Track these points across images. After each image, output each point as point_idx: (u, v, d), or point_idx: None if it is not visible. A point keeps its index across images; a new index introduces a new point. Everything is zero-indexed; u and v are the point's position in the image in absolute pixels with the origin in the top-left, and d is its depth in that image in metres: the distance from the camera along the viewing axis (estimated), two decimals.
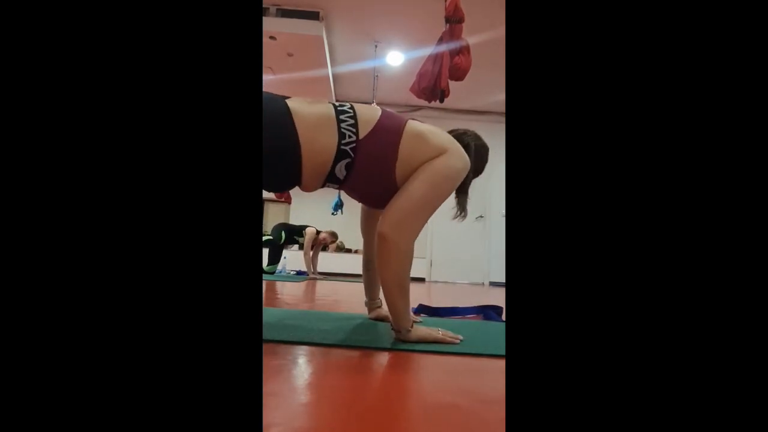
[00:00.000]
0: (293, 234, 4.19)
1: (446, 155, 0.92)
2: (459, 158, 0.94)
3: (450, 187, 0.94)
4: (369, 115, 0.92)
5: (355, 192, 0.98)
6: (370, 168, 0.90)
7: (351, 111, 0.91)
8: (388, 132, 0.91)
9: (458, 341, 0.93)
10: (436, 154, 0.92)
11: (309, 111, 0.88)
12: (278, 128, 0.84)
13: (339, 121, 0.88)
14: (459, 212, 1.10)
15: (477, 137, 1.13)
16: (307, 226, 4.12)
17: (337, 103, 0.93)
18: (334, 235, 4.25)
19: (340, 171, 0.90)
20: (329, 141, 0.87)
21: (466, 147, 1.05)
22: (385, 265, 0.88)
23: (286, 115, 0.85)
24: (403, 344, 0.88)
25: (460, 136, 1.09)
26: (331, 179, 0.92)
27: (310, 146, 0.86)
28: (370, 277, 1.31)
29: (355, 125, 0.89)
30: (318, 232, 4.09)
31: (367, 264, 1.30)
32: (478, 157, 1.11)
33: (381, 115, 0.93)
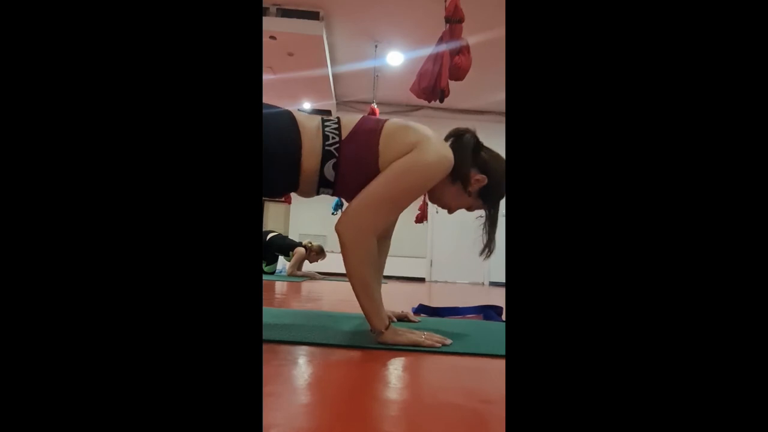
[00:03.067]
0: (282, 250, 4.04)
1: (414, 150, 0.91)
2: (430, 151, 0.91)
3: (416, 180, 0.91)
4: (351, 119, 0.97)
5: (348, 195, 0.99)
6: (355, 168, 0.93)
7: (335, 119, 0.97)
8: (366, 132, 0.94)
9: (440, 345, 0.87)
10: (407, 150, 0.91)
11: (308, 122, 0.94)
12: (287, 136, 0.90)
13: (324, 127, 0.94)
14: (485, 243, 1.06)
15: (497, 159, 1.04)
16: (298, 245, 3.97)
17: (325, 117, 0.98)
18: (321, 252, 4.08)
19: (329, 172, 0.93)
20: (317, 144, 0.92)
21: (460, 144, 1.01)
22: (343, 260, 0.88)
23: (292, 122, 0.91)
24: (403, 344, 0.87)
25: (458, 132, 1.04)
26: (323, 183, 0.95)
27: (306, 153, 0.91)
28: None
29: (338, 129, 0.94)
30: (307, 250, 3.93)
31: None
32: (496, 172, 1.02)
33: (360, 119, 0.98)
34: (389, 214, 0.91)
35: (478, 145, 1.03)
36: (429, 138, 0.93)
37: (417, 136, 0.93)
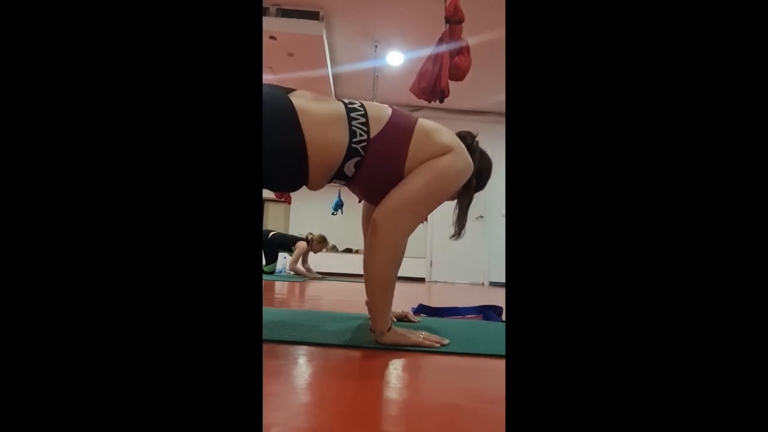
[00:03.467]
0: (283, 246, 4.06)
1: (450, 154, 0.92)
2: (462, 158, 0.94)
3: (449, 185, 0.92)
4: (380, 113, 0.91)
5: (361, 189, 0.97)
6: (381, 166, 0.89)
7: (362, 109, 0.90)
8: (399, 130, 0.90)
9: (439, 345, 0.88)
10: (441, 152, 0.91)
11: (315, 108, 0.85)
12: (281, 125, 0.81)
13: (350, 119, 0.87)
14: (456, 230, 1.09)
15: (484, 154, 1.12)
16: (299, 239, 4.00)
17: (346, 101, 0.91)
18: (323, 241, 4.11)
19: (349, 169, 0.89)
20: (340, 139, 0.85)
21: (469, 148, 1.04)
22: (371, 256, 0.85)
23: (290, 112, 0.82)
24: (403, 345, 0.87)
25: (463, 137, 1.08)
26: (339, 176, 0.91)
27: (316, 143, 0.83)
28: None
29: (366, 123, 0.88)
30: (308, 242, 3.98)
31: None
32: (484, 169, 1.10)
33: (392, 114, 0.92)
34: (423, 216, 0.91)
35: (472, 135, 1.10)
36: (458, 144, 0.95)
37: (448, 139, 0.94)
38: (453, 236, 1.10)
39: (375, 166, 0.89)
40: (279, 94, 0.85)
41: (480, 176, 1.08)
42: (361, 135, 0.86)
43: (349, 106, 0.89)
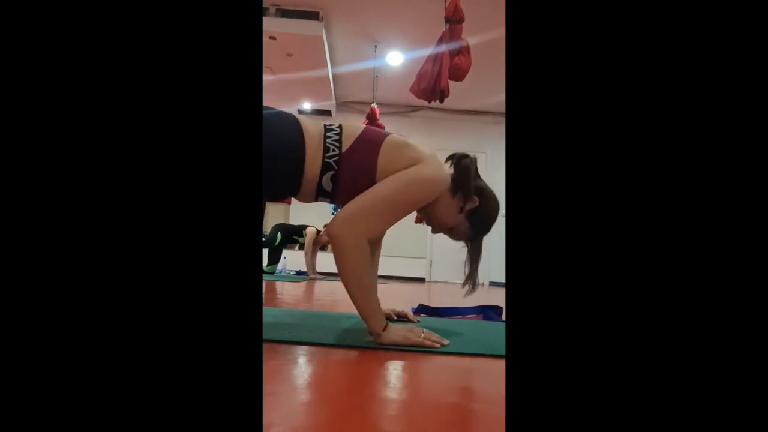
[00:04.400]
0: (292, 234, 4.14)
1: (418, 165, 0.93)
2: (431, 168, 0.94)
3: (416, 193, 0.92)
4: (352, 130, 0.98)
5: (344, 204, 1.01)
6: (354, 178, 0.94)
7: (338, 129, 0.98)
8: (368, 143, 0.96)
9: (439, 345, 0.88)
10: (409, 164, 0.93)
11: (312, 127, 0.96)
12: (292, 139, 0.91)
13: (325, 137, 0.95)
14: (469, 284, 1.07)
15: (490, 192, 1.05)
16: (307, 226, 4.09)
17: (327, 124, 0.99)
18: None
19: (327, 183, 0.95)
20: (318, 153, 0.94)
21: (463, 163, 1.02)
22: (337, 261, 0.87)
23: (297, 126, 0.93)
24: (401, 345, 0.87)
25: (460, 157, 1.05)
26: (321, 193, 0.97)
27: (309, 160, 0.93)
28: None
29: (339, 140, 0.95)
30: (318, 232, 4.07)
31: None
32: (486, 210, 1.03)
33: (363, 130, 0.99)
34: (385, 223, 0.91)
35: (476, 169, 1.05)
36: (429, 156, 0.96)
37: (418, 153, 0.95)
38: (464, 285, 1.09)
39: (349, 178, 0.94)
40: (286, 114, 0.95)
41: (481, 218, 1.04)
42: (333, 150, 0.94)
43: (327, 126, 0.98)
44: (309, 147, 0.92)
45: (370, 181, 0.94)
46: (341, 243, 0.86)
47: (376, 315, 0.88)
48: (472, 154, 1.07)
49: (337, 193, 0.96)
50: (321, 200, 1.01)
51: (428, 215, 1.05)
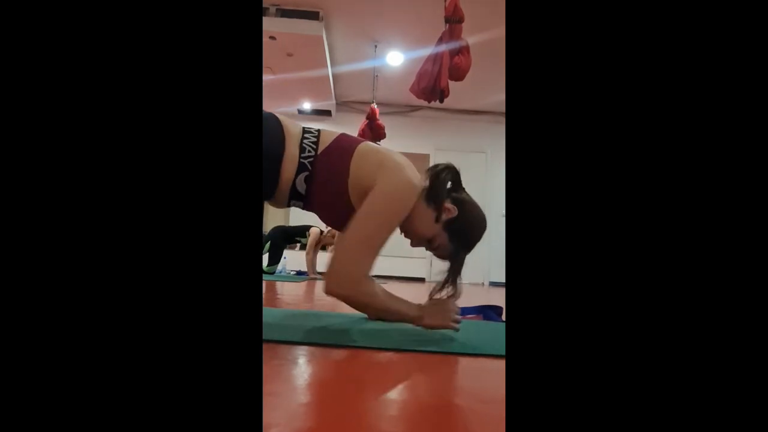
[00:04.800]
0: (293, 236, 4.12)
1: (385, 178, 0.91)
2: (399, 176, 0.91)
3: (394, 211, 0.91)
4: (329, 135, 1.00)
5: (317, 209, 1.02)
6: (328, 181, 0.95)
7: (316, 132, 1.00)
8: (342, 149, 0.97)
9: (457, 328, 0.98)
10: (375, 170, 0.92)
11: (292, 128, 0.98)
12: (273, 140, 0.93)
13: (303, 138, 0.97)
14: (453, 292, 1.02)
15: (474, 205, 1.01)
16: (310, 227, 4.07)
17: (307, 127, 1.01)
18: (335, 236, 4.20)
19: (301, 184, 0.95)
20: (295, 154, 0.95)
21: (437, 172, 0.99)
22: (355, 308, 0.94)
23: (279, 126, 0.95)
24: (402, 344, 0.87)
25: (437, 172, 1.00)
26: (294, 195, 0.97)
27: (286, 160, 0.94)
28: None
29: (316, 142, 0.97)
30: (321, 232, 4.05)
31: None
32: (468, 222, 0.99)
33: (339, 135, 1.00)
34: (375, 253, 0.91)
35: (458, 181, 1.03)
36: (398, 163, 0.94)
37: (389, 159, 0.94)
38: (450, 296, 1.04)
39: (323, 181, 0.95)
40: (270, 114, 0.97)
41: (462, 231, 0.99)
42: (309, 151, 0.96)
43: (305, 128, 1.00)
44: (288, 146, 0.94)
45: (342, 185, 0.94)
46: (354, 301, 0.94)
47: (401, 308, 0.94)
48: (456, 165, 1.03)
49: (310, 196, 0.97)
50: (293, 204, 1.00)
51: (404, 226, 1.00)
